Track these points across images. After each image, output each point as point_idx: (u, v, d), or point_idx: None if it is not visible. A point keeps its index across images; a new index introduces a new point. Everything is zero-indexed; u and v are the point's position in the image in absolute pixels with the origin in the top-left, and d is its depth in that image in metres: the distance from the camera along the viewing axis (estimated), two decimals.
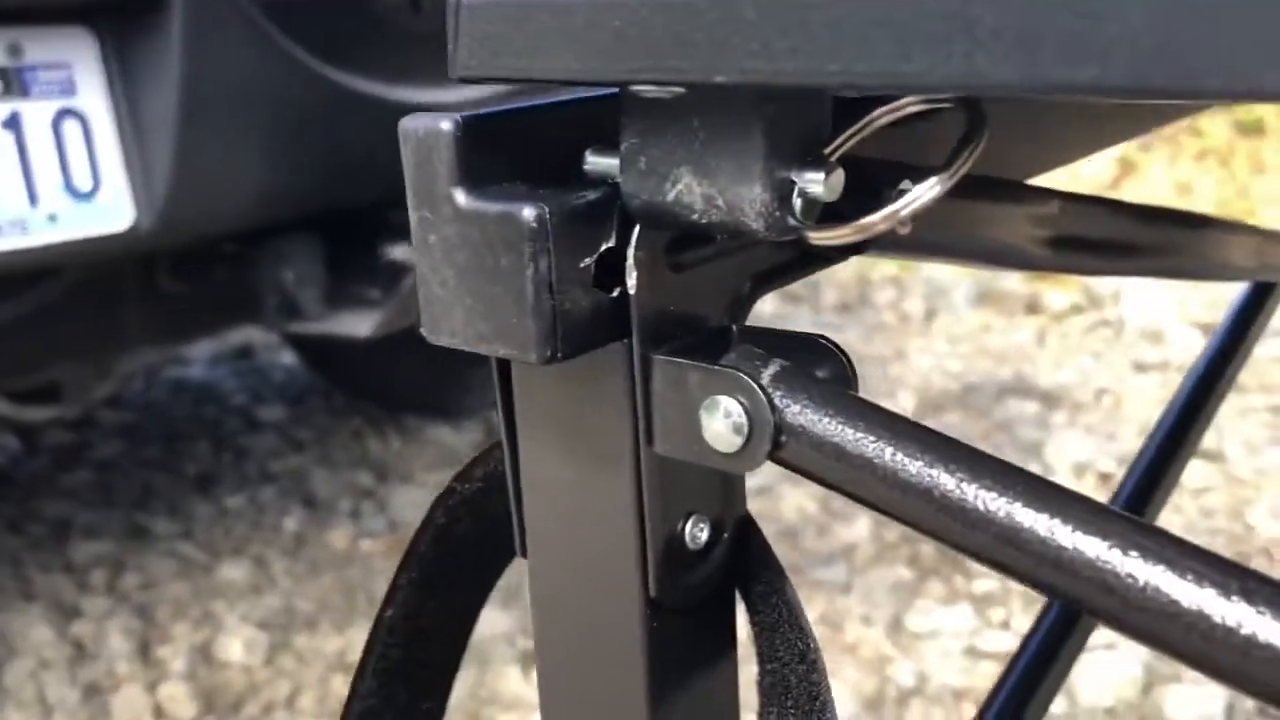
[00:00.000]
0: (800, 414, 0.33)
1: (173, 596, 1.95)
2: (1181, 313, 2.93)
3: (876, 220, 0.32)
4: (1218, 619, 0.28)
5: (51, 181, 1.36)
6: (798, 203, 0.32)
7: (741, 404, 0.34)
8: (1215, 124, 3.93)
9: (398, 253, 1.73)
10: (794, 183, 0.32)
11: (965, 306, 3.12)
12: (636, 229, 0.34)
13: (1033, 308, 3.09)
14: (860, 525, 2.04)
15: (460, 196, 0.33)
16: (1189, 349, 2.75)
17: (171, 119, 1.42)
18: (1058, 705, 1.56)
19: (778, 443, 0.33)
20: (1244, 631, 0.27)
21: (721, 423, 0.34)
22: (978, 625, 1.76)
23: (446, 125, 0.33)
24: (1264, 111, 3.87)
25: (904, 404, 2.50)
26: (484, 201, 0.33)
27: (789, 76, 0.27)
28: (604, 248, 0.34)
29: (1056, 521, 0.29)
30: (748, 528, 0.40)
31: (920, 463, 0.31)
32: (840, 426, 0.32)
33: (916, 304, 3.16)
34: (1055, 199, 0.49)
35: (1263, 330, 0.77)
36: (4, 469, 2.43)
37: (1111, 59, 0.23)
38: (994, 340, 2.91)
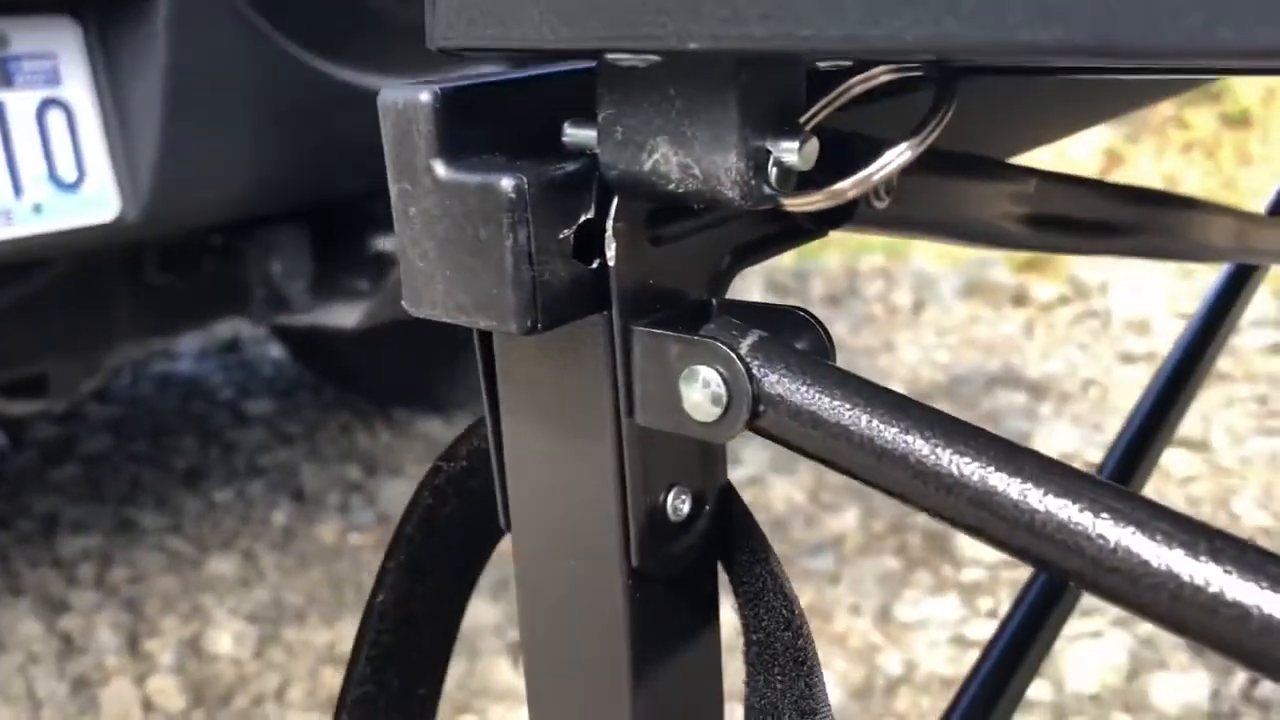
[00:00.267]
0: (778, 383, 0.33)
1: (161, 590, 1.95)
2: (1168, 304, 2.94)
3: (848, 186, 0.32)
4: (1186, 578, 0.28)
5: (36, 172, 1.35)
6: (773, 171, 0.32)
7: (720, 374, 0.34)
8: (1201, 116, 3.94)
9: (385, 244, 1.73)
10: (769, 152, 0.32)
11: (953, 298, 3.13)
12: (615, 200, 0.35)
13: (1020, 299, 3.10)
14: (849, 516, 2.05)
15: (440, 168, 0.33)
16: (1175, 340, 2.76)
17: (157, 109, 1.41)
18: (1044, 692, 1.57)
19: (756, 412, 0.34)
20: (1211, 590, 0.28)
21: (700, 392, 0.34)
22: (965, 614, 1.77)
23: (425, 97, 0.33)
24: (1250, 103, 3.89)
25: None
26: (463, 173, 0.33)
27: (761, 42, 0.27)
28: (583, 219, 0.35)
29: (1029, 486, 0.30)
30: (729, 499, 0.41)
31: (896, 429, 0.31)
32: (817, 395, 0.33)
33: (904, 296, 3.17)
34: (1034, 177, 0.50)
35: (1241, 313, 0.78)
36: None
37: (1075, 19, 0.24)
38: (982, 331, 2.92)
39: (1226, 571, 0.27)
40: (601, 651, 0.39)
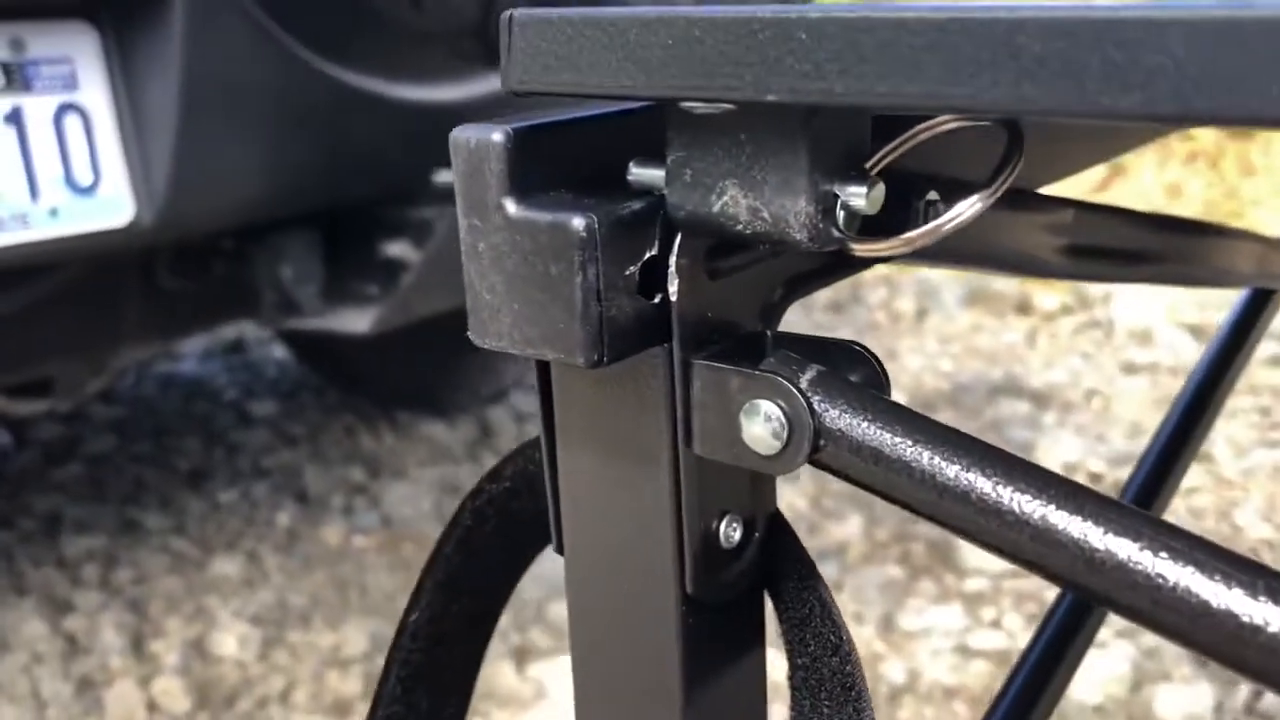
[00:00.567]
0: (839, 418, 0.34)
1: (165, 591, 1.95)
2: (1171, 314, 2.95)
3: (918, 236, 0.33)
4: (1245, 617, 0.29)
5: (52, 176, 1.36)
6: (840, 215, 0.33)
7: (781, 408, 0.35)
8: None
9: (395, 249, 1.73)
10: (837, 196, 0.33)
11: (956, 306, 3.15)
12: (679, 237, 0.36)
13: (1023, 308, 3.12)
14: (852, 524, 2.05)
15: (510, 206, 0.34)
16: (1178, 350, 2.78)
17: (172, 114, 1.42)
18: None
19: (817, 446, 0.35)
20: (1271, 629, 0.28)
21: (761, 426, 0.35)
22: (969, 624, 1.78)
23: (498, 137, 0.34)
24: None
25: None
26: (534, 211, 0.34)
27: (839, 97, 0.28)
28: (648, 255, 0.35)
29: (1090, 524, 0.31)
30: (779, 526, 0.41)
31: (957, 466, 0.32)
32: (878, 430, 0.34)
33: (908, 303, 3.18)
34: (1071, 208, 0.51)
35: (1261, 336, 0.79)
36: None
37: (1154, 87, 0.24)
38: (985, 340, 2.94)
39: None
40: (653, 675, 0.40)
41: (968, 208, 0.33)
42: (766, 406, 0.35)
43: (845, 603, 1.84)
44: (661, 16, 0.31)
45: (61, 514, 2.19)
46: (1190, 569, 0.30)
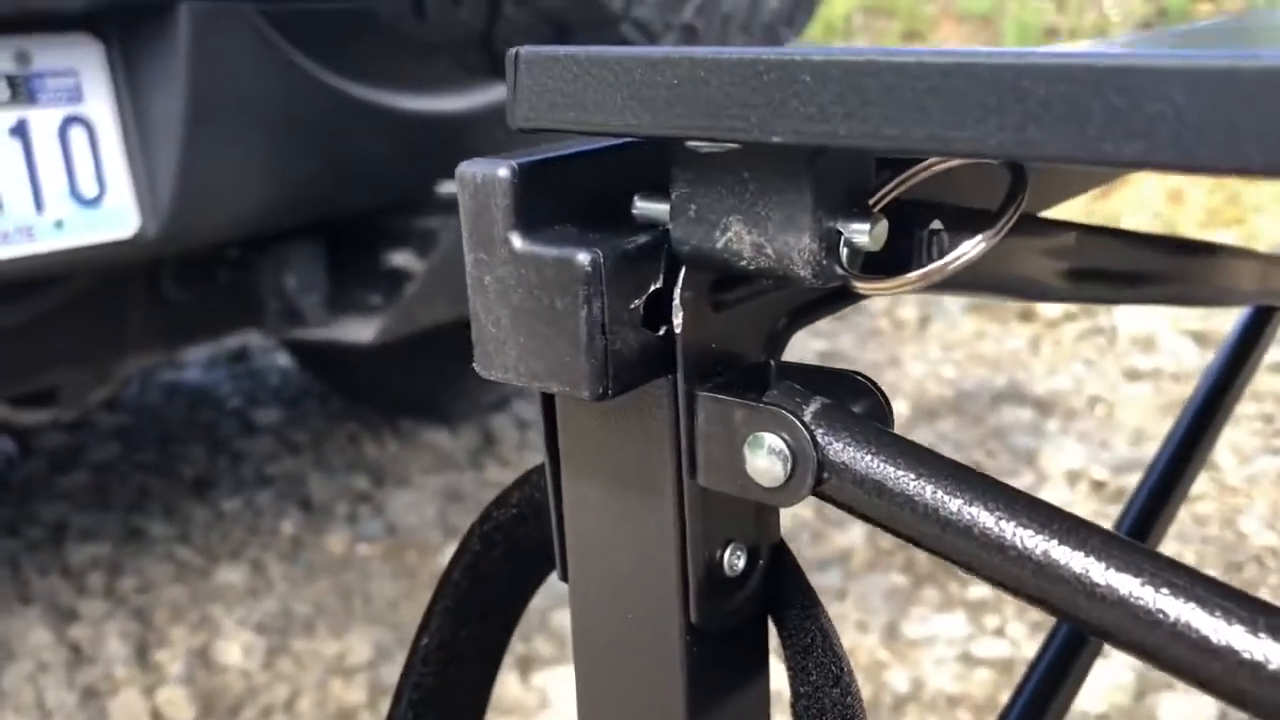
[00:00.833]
0: (842, 451, 0.34)
1: (170, 600, 1.95)
2: (1174, 321, 2.95)
3: (929, 273, 0.33)
4: (1245, 654, 0.29)
5: (58, 188, 1.36)
6: (844, 251, 0.33)
7: (785, 440, 0.35)
8: None
9: (399, 259, 1.74)
10: (840, 233, 0.33)
11: (959, 313, 3.15)
12: (683, 271, 0.36)
13: (1026, 315, 3.12)
14: (855, 532, 2.06)
15: (516, 240, 0.34)
16: (1181, 357, 2.78)
17: (177, 126, 1.43)
18: None
19: (820, 479, 0.35)
20: (1271, 666, 0.29)
21: (765, 458, 0.35)
22: (972, 632, 1.78)
23: (504, 172, 0.34)
24: None
25: (899, 411, 2.52)
26: (539, 245, 0.34)
27: (843, 139, 0.29)
28: (652, 289, 0.36)
29: (1092, 559, 0.31)
30: (782, 555, 0.42)
31: (960, 500, 0.32)
32: (881, 464, 0.34)
33: (910, 311, 3.19)
34: (1072, 231, 0.51)
35: (1263, 354, 0.79)
36: (0, 472, 2.43)
37: (1156, 134, 0.25)
38: (988, 347, 2.94)
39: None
40: (657, 704, 0.40)
41: (971, 247, 0.34)
42: (770, 439, 0.35)
43: (849, 611, 1.84)
44: (668, 56, 0.31)
45: (66, 522, 2.19)
46: (1191, 605, 0.30)
